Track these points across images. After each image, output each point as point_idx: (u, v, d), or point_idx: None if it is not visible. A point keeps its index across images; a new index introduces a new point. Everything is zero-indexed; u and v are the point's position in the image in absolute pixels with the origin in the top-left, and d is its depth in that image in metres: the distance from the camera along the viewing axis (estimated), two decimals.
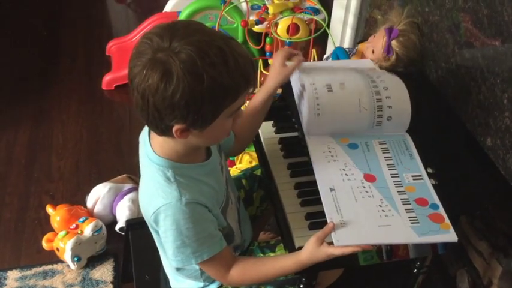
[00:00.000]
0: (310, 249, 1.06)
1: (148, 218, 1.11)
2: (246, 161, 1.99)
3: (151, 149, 1.08)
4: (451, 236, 1.07)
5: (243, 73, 0.96)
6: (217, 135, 1.06)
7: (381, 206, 1.12)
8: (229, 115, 1.01)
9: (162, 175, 1.06)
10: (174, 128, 0.97)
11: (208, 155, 1.15)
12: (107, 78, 2.71)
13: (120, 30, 3.20)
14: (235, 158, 2.02)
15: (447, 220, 1.10)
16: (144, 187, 1.13)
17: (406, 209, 1.11)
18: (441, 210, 1.12)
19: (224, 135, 1.09)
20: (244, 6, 2.40)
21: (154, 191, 1.07)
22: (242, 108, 1.06)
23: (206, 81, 0.91)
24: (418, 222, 1.09)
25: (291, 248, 1.15)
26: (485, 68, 1.31)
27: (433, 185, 1.17)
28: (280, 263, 1.13)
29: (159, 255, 1.28)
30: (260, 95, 1.27)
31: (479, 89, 1.34)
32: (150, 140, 1.10)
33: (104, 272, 1.85)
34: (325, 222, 1.08)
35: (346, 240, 1.05)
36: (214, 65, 0.92)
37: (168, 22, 0.97)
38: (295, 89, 1.35)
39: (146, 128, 1.12)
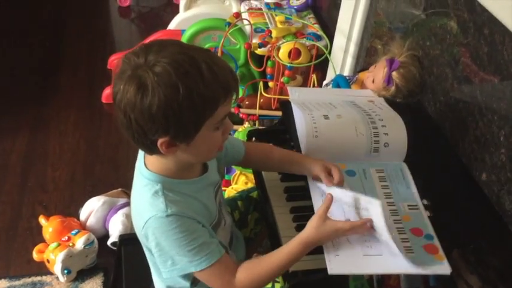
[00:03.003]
0: (315, 226, 1.05)
1: (139, 233, 1.10)
2: (241, 181, 1.99)
3: (143, 164, 1.09)
4: (445, 268, 1.08)
5: (221, 82, 0.96)
6: (205, 149, 1.04)
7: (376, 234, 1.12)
8: (214, 127, 1.01)
9: (150, 189, 1.05)
10: (159, 142, 0.97)
11: (204, 170, 1.15)
12: (107, 91, 2.73)
13: (123, 44, 3.23)
14: (231, 178, 2.02)
15: (441, 251, 1.10)
16: (134, 202, 1.13)
17: (401, 239, 1.11)
18: (435, 241, 1.12)
19: (215, 150, 1.07)
20: (248, 28, 2.43)
21: (141, 206, 1.07)
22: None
23: (182, 91, 0.91)
24: (413, 252, 1.09)
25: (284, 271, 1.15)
26: (483, 104, 1.33)
27: (428, 217, 1.18)
28: (285, 249, 1.08)
29: (150, 273, 1.28)
30: (284, 158, 1.28)
31: (476, 125, 1.36)
32: (144, 155, 1.10)
33: (93, 286, 1.83)
34: (320, 247, 1.08)
35: (340, 268, 1.04)
36: (188, 74, 0.92)
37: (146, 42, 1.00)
38: (295, 114, 1.37)
39: None
